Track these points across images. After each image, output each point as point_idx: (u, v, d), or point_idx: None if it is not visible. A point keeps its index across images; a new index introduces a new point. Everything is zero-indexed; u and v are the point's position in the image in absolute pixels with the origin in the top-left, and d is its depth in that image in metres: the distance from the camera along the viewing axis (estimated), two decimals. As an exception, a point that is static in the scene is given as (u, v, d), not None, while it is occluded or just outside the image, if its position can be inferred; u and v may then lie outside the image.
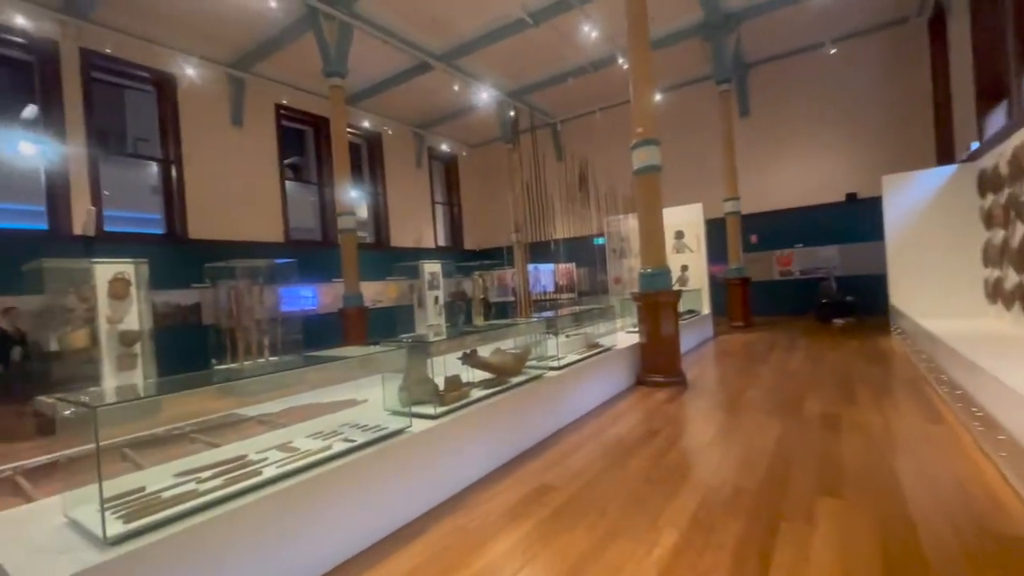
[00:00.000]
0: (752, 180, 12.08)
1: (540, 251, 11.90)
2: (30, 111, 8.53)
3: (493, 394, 3.53)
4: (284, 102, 11.74)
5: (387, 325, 11.68)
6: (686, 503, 2.67)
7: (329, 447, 2.46)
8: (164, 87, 9.82)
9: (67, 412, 1.78)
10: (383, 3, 9.07)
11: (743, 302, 10.66)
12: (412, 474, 2.67)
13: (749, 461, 3.20)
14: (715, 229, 10.75)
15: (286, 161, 12.10)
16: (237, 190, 10.67)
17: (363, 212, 14.19)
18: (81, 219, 8.31)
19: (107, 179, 9.19)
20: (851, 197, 11.40)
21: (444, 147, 16.43)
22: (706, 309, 10.04)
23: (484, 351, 3.99)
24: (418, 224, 15.42)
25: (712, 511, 2.56)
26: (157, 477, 2.20)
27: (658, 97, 11.57)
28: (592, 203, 9.97)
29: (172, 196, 9.88)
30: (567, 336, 5.38)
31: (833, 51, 10.97)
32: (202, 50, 9.87)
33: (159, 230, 9.92)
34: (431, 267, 9.31)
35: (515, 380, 3.91)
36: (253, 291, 7.37)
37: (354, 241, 9.40)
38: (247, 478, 2.11)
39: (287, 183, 11.95)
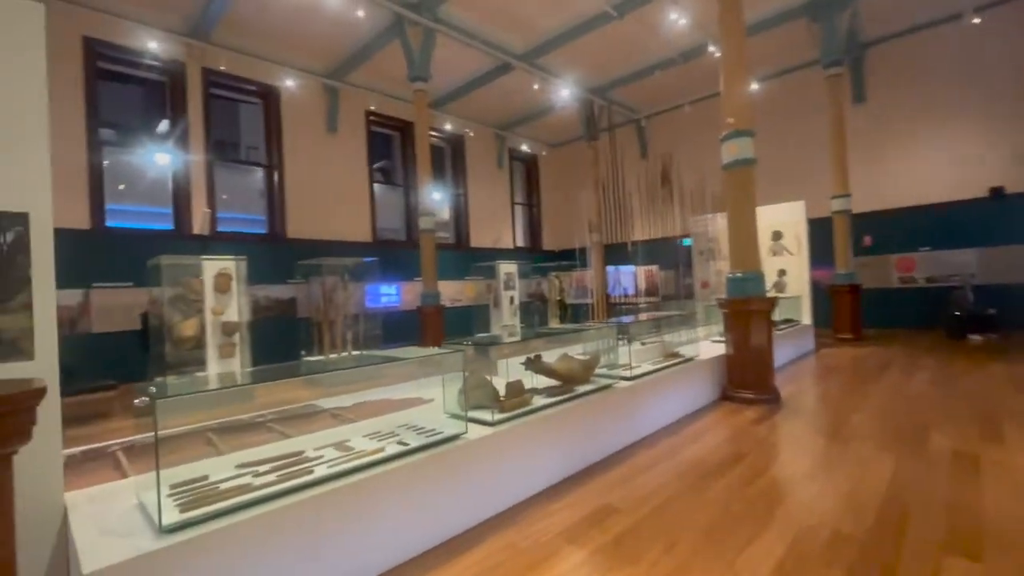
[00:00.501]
0: (866, 175, 10.72)
1: (620, 252, 11.46)
2: (163, 125, 9.72)
3: (557, 403, 3.34)
4: (373, 108, 12.36)
5: (464, 324, 11.89)
6: (772, 545, 2.30)
7: (382, 449, 2.43)
8: (269, 99, 10.73)
9: (137, 401, 1.88)
10: (465, 6, 9.20)
11: (852, 312, 9.45)
12: (464, 483, 2.56)
13: (855, 501, 2.72)
14: (820, 230, 9.65)
15: (375, 165, 12.74)
16: (331, 192, 11.41)
17: (446, 213, 14.57)
18: (199, 220, 9.31)
19: (222, 184, 10.23)
20: (996, 192, 9.69)
21: (524, 147, 16.42)
22: (807, 319, 9.03)
23: (551, 356, 3.81)
24: (498, 225, 15.55)
25: (804, 559, 2.18)
26: (221, 466, 2.29)
27: (754, 86, 10.64)
28: (676, 201, 9.36)
29: (274, 198, 10.78)
30: (642, 344, 5.03)
31: (976, 21, 9.38)
32: (301, 63, 10.68)
33: (263, 230, 10.86)
34: (507, 267, 9.30)
35: (582, 389, 3.69)
36: (339, 287, 7.80)
37: (432, 241, 9.64)
38: (299, 475, 2.12)
39: (376, 186, 12.60)
